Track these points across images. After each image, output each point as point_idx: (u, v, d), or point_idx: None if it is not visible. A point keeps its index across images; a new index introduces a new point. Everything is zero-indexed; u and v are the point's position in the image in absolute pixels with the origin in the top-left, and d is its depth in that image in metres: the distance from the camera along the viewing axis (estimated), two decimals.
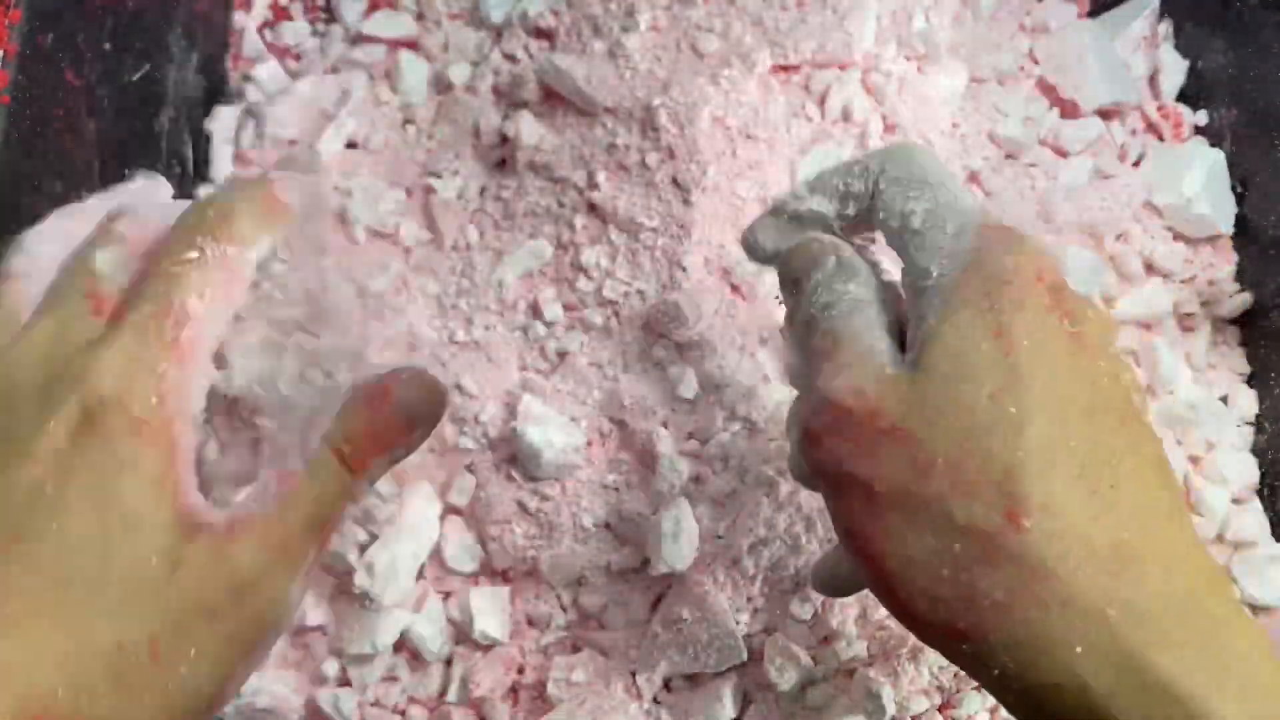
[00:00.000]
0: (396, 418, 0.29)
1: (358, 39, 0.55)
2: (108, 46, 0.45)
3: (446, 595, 0.45)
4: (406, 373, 0.29)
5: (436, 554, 0.45)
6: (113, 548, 0.25)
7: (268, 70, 0.55)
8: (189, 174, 0.53)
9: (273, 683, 0.43)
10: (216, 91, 0.55)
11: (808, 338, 0.30)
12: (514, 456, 0.44)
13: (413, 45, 0.55)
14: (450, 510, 0.45)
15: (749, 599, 0.43)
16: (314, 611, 0.44)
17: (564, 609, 0.45)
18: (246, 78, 0.55)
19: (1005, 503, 0.25)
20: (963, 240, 0.28)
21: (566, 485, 0.44)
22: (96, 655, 0.25)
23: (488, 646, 0.44)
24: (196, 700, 0.26)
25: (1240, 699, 0.24)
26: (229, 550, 0.26)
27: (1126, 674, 0.24)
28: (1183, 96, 0.58)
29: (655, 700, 0.44)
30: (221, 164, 0.53)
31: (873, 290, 0.30)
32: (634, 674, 0.43)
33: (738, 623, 0.42)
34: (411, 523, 0.43)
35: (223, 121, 0.54)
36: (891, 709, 0.41)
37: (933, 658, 0.43)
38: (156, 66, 0.50)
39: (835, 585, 0.37)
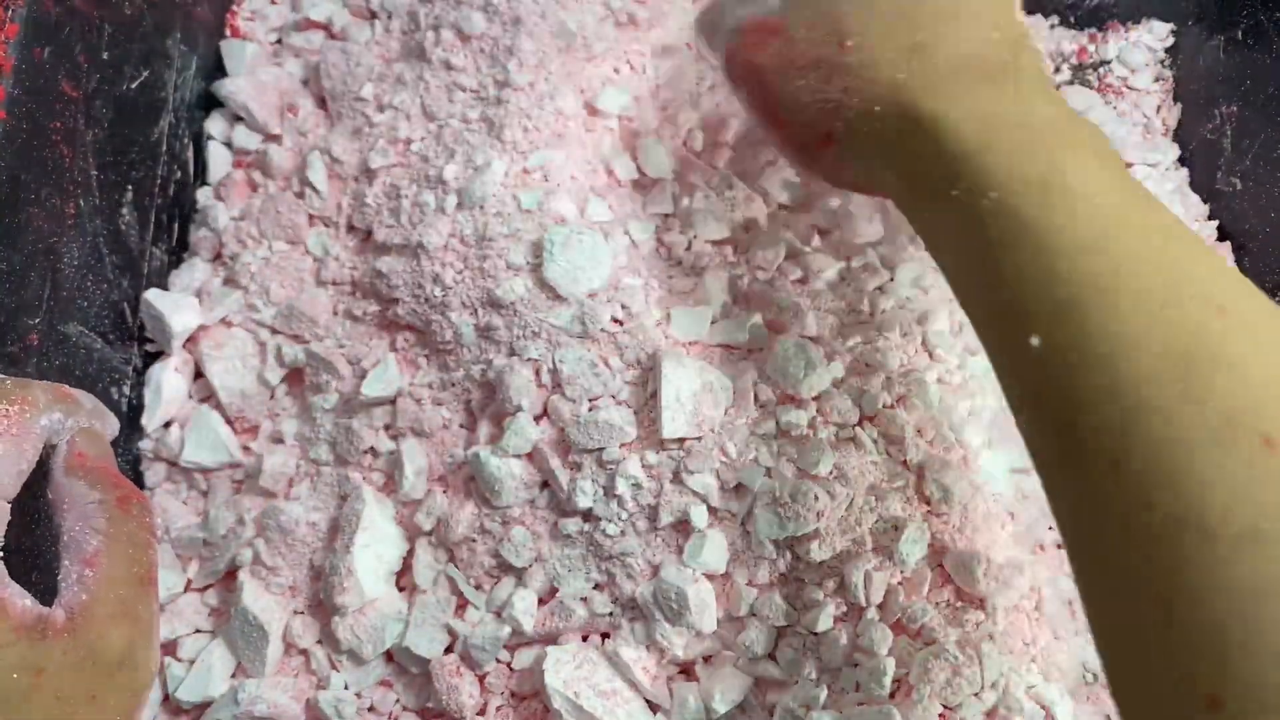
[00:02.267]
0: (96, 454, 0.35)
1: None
2: (105, 56, 0.45)
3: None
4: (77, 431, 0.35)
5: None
6: None
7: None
8: (190, 179, 0.53)
9: (271, 689, 0.44)
10: (216, 95, 0.55)
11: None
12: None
13: None
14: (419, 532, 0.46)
15: None
16: (306, 626, 0.45)
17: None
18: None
19: (836, 39, 0.38)
20: None
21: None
22: None
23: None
24: None
25: (969, 108, 0.34)
26: (85, 639, 0.28)
27: (905, 119, 0.36)
28: (1185, 92, 0.58)
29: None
30: (219, 167, 0.54)
31: None
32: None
33: None
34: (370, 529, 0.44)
35: (220, 124, 0.54)
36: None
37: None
38: (155, 73, 0.50)
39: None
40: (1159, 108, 0.58)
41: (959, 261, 0.35)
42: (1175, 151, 0.57)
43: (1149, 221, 0.31)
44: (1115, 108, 0.58)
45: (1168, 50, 0.59)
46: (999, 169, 0.33)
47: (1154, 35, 0.59)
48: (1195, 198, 0.56)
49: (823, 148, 0.39)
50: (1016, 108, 0.34)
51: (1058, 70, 0.59)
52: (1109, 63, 0.59)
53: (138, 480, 0.49)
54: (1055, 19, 0.61)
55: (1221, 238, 0.55)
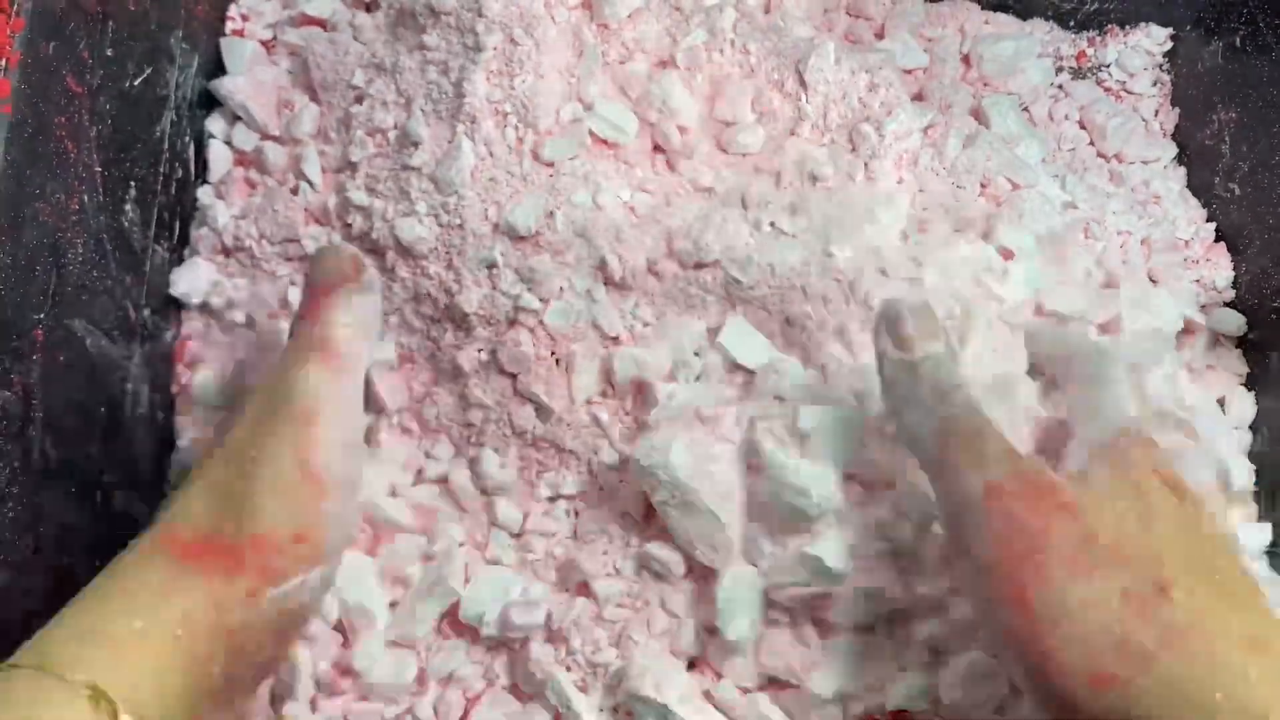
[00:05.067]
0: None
1: None
2: (109, 52, 0.45)
3: None
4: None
5: None
6: None
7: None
8: (191, 177, 0.53)
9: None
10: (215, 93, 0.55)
11: (936, 401, 0.35)
12: None
13: None
14: None
15: None
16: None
17: None
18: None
19: (1157, 580, 0.31)
20: (1118, 421, 0.35)
21: None
22: None
23: None
24: None
25: None
26: None
27: None
28: (1183, 96, 0.58)
29: None
30: (220, 166, 0.53)
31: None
32: None
33: None
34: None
35: (220, 123, 0.54)
36: None
37: None
38: (157, 70, 0.49)
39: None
40: (1157, 112, 0.59)
41: None
42: (1173, 150, 0.58)
43: None
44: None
45: (1166, 55, 0.60)
46: None
47: (1152, 40, 0.60)
48: (1195, 201, 0.56)
49: (1099, 685, 0.30)
50: None
51: (1059, 71, 0.60)
52: (1108, 66, 0.60)
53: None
54: (1053, 22, 0.61)
55: (1218, 241, 0.55)
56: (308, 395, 0.36)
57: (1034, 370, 0.43)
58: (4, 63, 0.38)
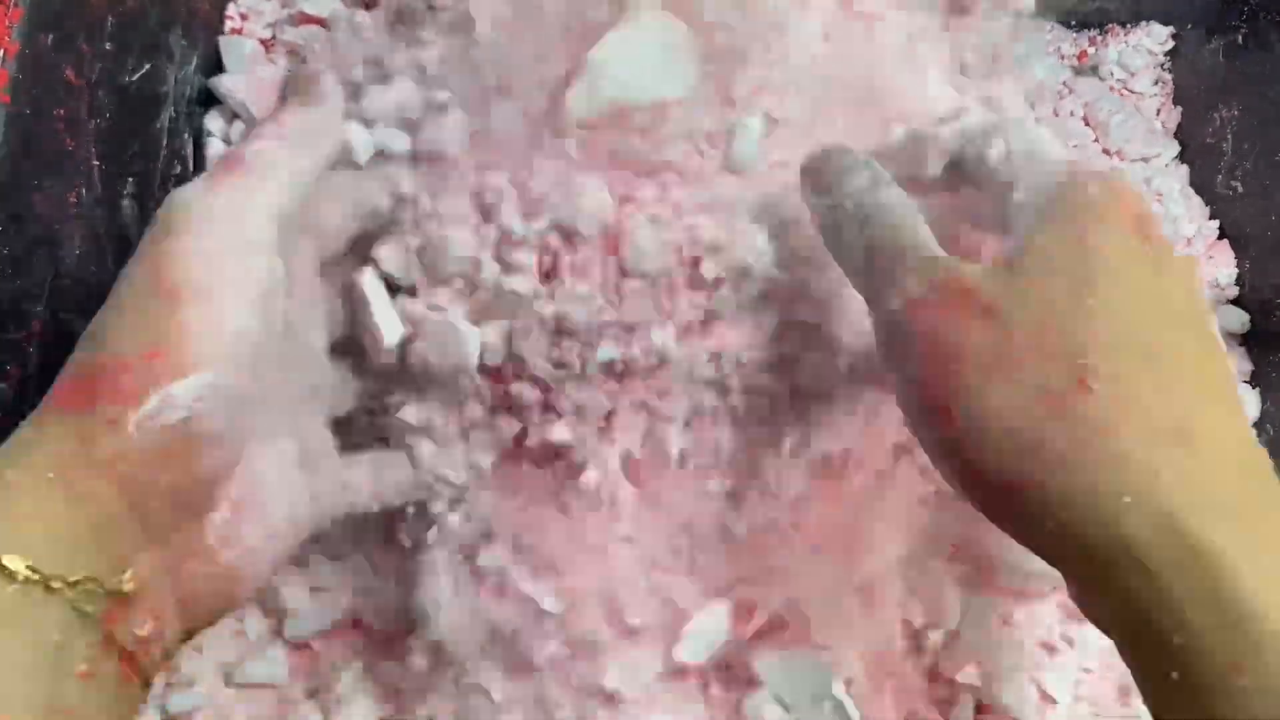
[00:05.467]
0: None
1: None
2: (108, 46, 0.45)
3: None
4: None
5: None
6: None
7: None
8: (189, 174, 0.53)
9: None
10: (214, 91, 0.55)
11: (859, 233, 0.33)
12: None
13: None
14: None
15: None
16: None
17: None
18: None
19: (1076, 371, 0.28)
20: (1058, 170, 0.32)
21: None
22: None
23: None
24: None
25: (1273, 571, 0.26)
26: None
27: (1167, 532, 0.26)
28: (1185, 95, 0.58)
29: None
30: None
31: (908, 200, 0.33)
32: None
33: None
34: None
35: (219, 121, 0.54)
36: None
37: None
38: (157, 66, 0.49)
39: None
40: (1159, 110, 0.59)
41: None
42: (1175, 147, 0.58)
43: None
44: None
45: (1168, 54, 0.60)
46: None
47: (1153, 39, 0.60)
48: (1197, 199, 0.56)
49: (1015, 490, 0.29)
50: None
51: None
52: (1109, 65, 0.60)
53: None
54: (1054, 21, 0.61)
55: (1220, 239, 0.55)
56: (172, 207, 0.32)
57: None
58: (2, 53, 0.38)
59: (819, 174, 0.35)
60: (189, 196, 0.32)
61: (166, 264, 0.31)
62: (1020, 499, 0.29)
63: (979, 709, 0.45)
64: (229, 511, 0.32)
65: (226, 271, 0.32)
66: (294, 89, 0.37)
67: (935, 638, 0.45)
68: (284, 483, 0.35)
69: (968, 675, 0.44)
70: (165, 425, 0.30)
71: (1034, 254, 0.30)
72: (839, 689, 0.39)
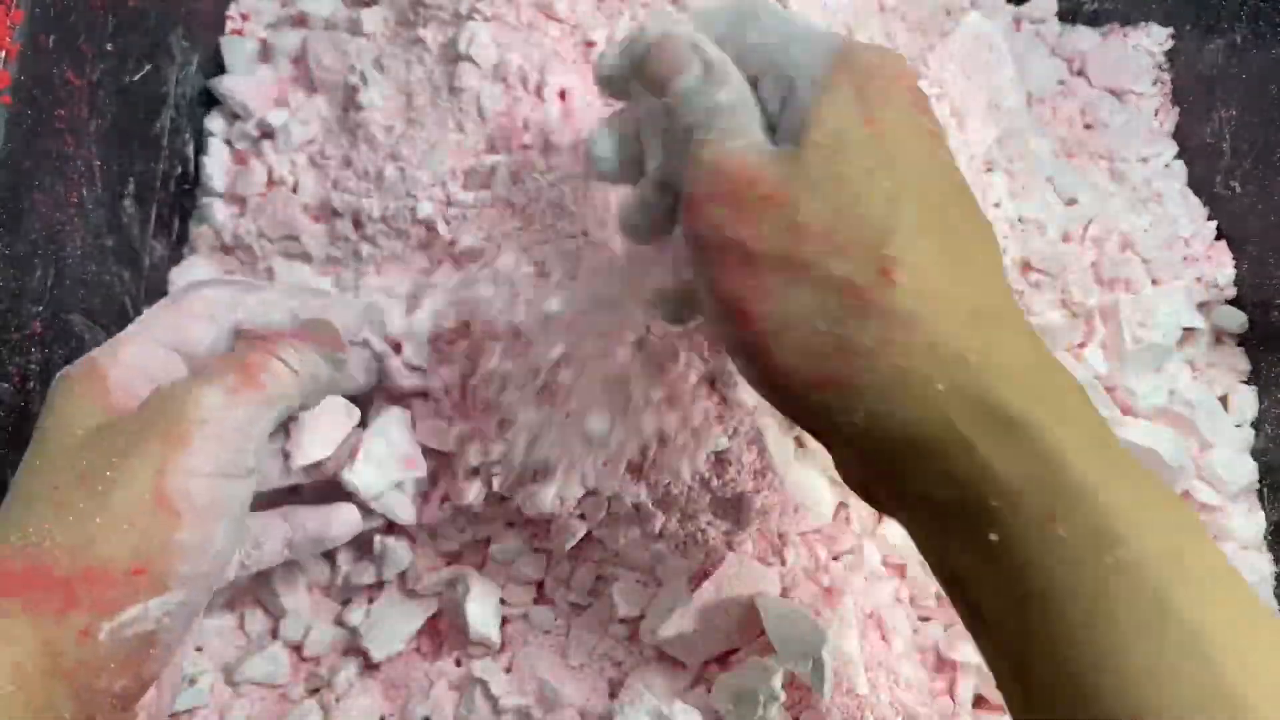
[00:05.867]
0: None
1: None
2: (109, 47, 0.45)
3: None
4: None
5: None
6: None
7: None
8: (190, 174, 0.53)
9: None
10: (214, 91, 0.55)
11: (684, 135, 0.31)
12: None
13: None
14: None
15: None
16: None
17: None
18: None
19: (879, 261, 0.27)
20: (830, 43, 0.30)
21: None
22: None
23: None
24: None
25: (1075, 426, 0.27)
26: None
27: (982, 409, 0.27)
28: (1183, 95, 0.58)
29: None
30: (219, 164, 0.53)
31: (745, 93, 0.31)
32: None
33: None
34: None
35: (220, 121, 0.54)
36: None
37: None
38: (158, 67, 0.49)
39: (673, 312, 0.37)
40: (1157, 111, 0.59)
41: (1017, 627, 0.27)
42: (1174, 148, 0.58)
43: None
44: None
45: (1166, 54, 0.60)
46: (1139, 526, 0.26)
47: (1152, 39, 0.60)
48: (1196, 199, 0.56)
49: (821, 388, 0.28)
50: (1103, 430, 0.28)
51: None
52: (1109, 65, 0.60)
53: None
54: (1054, 21, 0.61)
55: (1219, 239, 0.55)
56: (187, 417, 0.32)
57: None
58: (3, 54, 0.38)
59: (645, 67, 0.32)
60: (210, 406, 0.33)
61: (173, 479, 0.32)
62: (828, 395, 0.28)
63: (977, 702, 0.45)
64: (153, 691, 0.34)
65: (221, 494, 0.33)
66: (316, 332, 0.38)
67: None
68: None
69: (968, 655, 0.44)
70: (132, 635, 0.31)
71: (819, 130, 0.29)
72: (827, 654, 0.39)
